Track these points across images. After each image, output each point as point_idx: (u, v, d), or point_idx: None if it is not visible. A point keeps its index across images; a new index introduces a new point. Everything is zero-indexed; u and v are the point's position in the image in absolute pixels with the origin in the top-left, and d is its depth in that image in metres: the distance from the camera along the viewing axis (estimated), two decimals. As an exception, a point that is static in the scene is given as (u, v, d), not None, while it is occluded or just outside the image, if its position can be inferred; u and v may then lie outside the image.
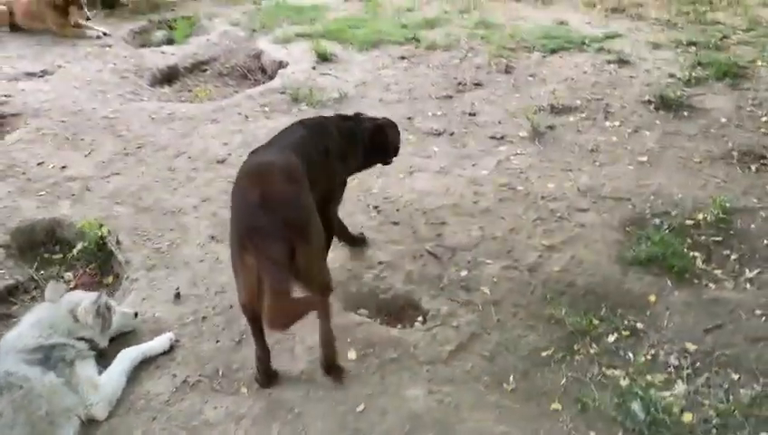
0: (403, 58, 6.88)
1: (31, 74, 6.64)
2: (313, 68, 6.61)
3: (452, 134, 5.29)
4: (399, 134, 3.93)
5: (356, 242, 3.89)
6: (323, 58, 6.77)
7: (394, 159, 3.92)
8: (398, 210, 4.27)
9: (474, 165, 4.80)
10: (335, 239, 3.87)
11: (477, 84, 6.21)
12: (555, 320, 3.34)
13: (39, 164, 4.88)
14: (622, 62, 6.44)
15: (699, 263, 3.75)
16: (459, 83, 6.22)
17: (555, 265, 3.72)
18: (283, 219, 2.64)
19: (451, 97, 5.96)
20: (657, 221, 4.08)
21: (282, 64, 6.85)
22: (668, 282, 3.58)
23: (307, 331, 3.20)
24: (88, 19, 7.74)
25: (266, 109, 5.75)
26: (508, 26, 7.58)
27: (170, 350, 3.18)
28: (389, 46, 7.17)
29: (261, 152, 3.16)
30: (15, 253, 4.07)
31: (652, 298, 3.48)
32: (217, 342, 3.25)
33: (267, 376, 3.02)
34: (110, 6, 8.53)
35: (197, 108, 5.86)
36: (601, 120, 5.40)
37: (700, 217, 4.10)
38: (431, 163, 4.85)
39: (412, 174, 4.71)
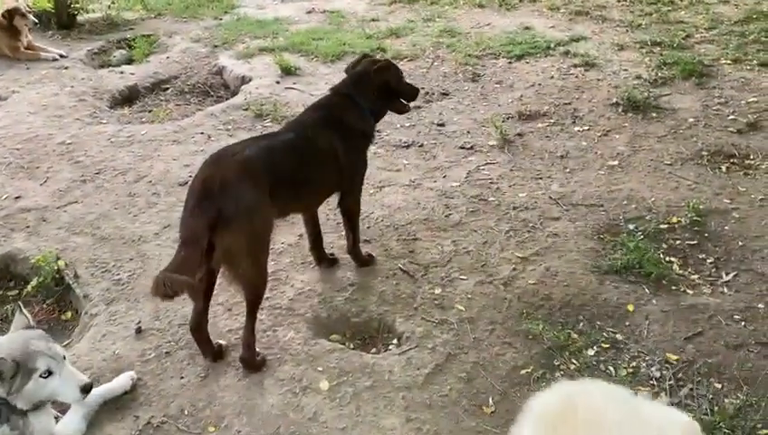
0: (368, 69, 6.77)
1: (-17, 101, 6.41)
2: (277, 82, 6.48)
3: (421, 146, 5.19)
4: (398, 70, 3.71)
5: (323, 262, 3.76)
6: (287, 72, 6.65)
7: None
8: (368, 227, 4.15)
9: (444, 177, 4.70)
10: (307, 257, 3.77)
11: (444, 94, 6.13)
12: (533, 335, 3.24)
13: (-9, 196, 4.67)
14: (588, 65, 6.41)
15: (676, 268, 3.69)
16: (426, 93, 6.13)
17: (530, 278, 3.63)
18: (217, 207, 2.74)
19: (419, 107, 5.86)
20: (631, 227, 4.01)
21: (244, 80, 6.70)
22: (646, 290, 3.51)
23: (274, 363, 3.07)
24: (36, 23, 7.51)
25: (229, 127, 5.60)
26: (473, 34, 7.53)
27: (132, 389, 3.00)
28: (354, 57, 7.01)
29: (238, 144, 3.25)
30: (-33, 291, 3.87)
31: (630, 308, 3.40)
32: (182, 378, 3.08)
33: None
34: (66, 27, 8.30)
35: (158, 129, 5.68)
36: (570, 125, 5.35)
37: (674, 220, 4.05)
38: (401, 177, 4.74)
39: (382, 189, 4.59)
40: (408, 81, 3.82)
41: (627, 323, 3.32)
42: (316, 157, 3.22)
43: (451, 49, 7.12)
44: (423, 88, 6.14)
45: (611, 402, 1.83)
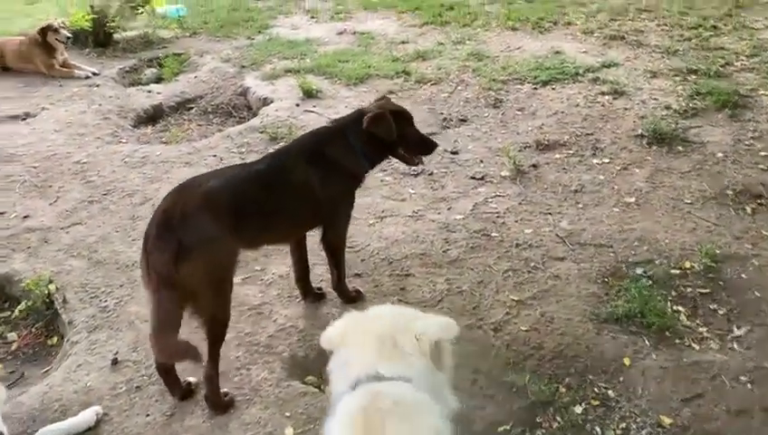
0: (391, 93, 6.65)
1: (14, 117, 6.59)
2: (297, 105, 6.44)
3: (430, 174, 5.05)
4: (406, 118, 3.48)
5: (309, 296, 3.65)
6: (308, 94, 6.60)
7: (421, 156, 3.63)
8: (362, 260, 4.03)
9: (449, 208, 4.54)
10: (295, 290, 3.67)
11: (463, 120, 5.97)
12: (517, 388, 3.04)
13: (0, 214, 4.74)
14: (617, 93, 6.15)
15: (683, 319, 3.43)
16: (444, 119, 6.00)
17: (523, 324, 3.43)
18: (177, 238, 2.70)
19: (434, 133, 5.69)
20: (639, 271, 3.77)
21: (266, 101, 6.70)
22: (646, 342, 3.27)
23: (242, 405, 2.97)
24: (68, 39, 7.69)
25: (243, 150, 5.57)
26: (501, 57, 7.35)
27: (96, 425, 2.95)
28: (378, 81, 6.98)
29: (206, 174, 3.20)
30: (-39, 311, 3.91)
31: (627, 361, 3.17)
32: (147, 416, 3.00)
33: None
34: (102, 45, 8.49)
35: (172, 150, 5.70)
36: (589, 156, 5.11)
37: (687, 265, 3.79)
38: (404, 207, 4.60)
39: (383, 219, 4.47)
40: (424, 132, 3.62)
41: (621, 379, 3.09)
42: (287, 189, 3.11)
43: (476, 73, 6.95)
44: (442, 113, 6.08)
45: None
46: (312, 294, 3.66)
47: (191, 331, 2.96)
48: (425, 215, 4.48)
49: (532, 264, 3.90)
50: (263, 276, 3.94)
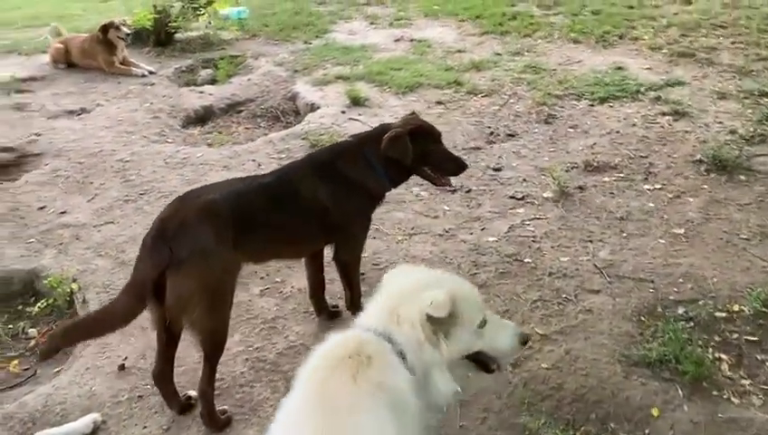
0: (439, 103, 6.51)
1: (71, 112, 6.78)
2: (342, 112, 6.35)
3: (468, 191, 4.85)
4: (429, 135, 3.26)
5: (323, 313, 3.53)
6: (355, 102, 6.51)
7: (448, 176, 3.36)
8: (385, 280, 3.87)
9: (482, 229, 4.34)
10: (308, 306, 3.55)
11: (511, 135, 5.74)
12: (530, 432, 2.82)
13: (40, 208, 4.84)
14: (678, 114, 5.78)
15: (725, 368, 3.11)
16: (491, 133, 5.78)
17: (545, 361, 3.19)
18: (171, 249, 2.60)
19: (479, 148, 5.52)
20: (680, 311, 3.47)
21: (313, 107, 6.64)
22: (679, 391, 2.98)
23: (239, 424, 2.86)
24: (128, 35, 7.84)
25: (282, 156, 5.52)
26: (559, 71, 7.06)
27: (92, 433, 2.90)
28: (428, 90, 6.83)
29: (212, 185, 3.08)
30: (-11, 304, 3.98)
31: (655, 412, 2.89)
32: (144, 428, 2.94)
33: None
34: (162, 44, 8.66)
35: (213, 153, 5.71)
36: (640, 181, 4.80)
37: (735, 308, 3.46)
38: (436, 224, 4.42)
39: (412, 236, 4.30)
40: (453, 152, 3.43)
41: (647, 431, 2.81)
42: (294, 203, 2.99)
43: (531, 86, 6.70)
44: (489, 127, 5.86)
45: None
46: (326, 312, 3.53)
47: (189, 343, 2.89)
48: (456, 234, 4.29)
49: (564, 295, 3.65)
50: (282, 289, 3.84)
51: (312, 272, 3.47)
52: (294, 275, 3.91)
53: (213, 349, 2.81)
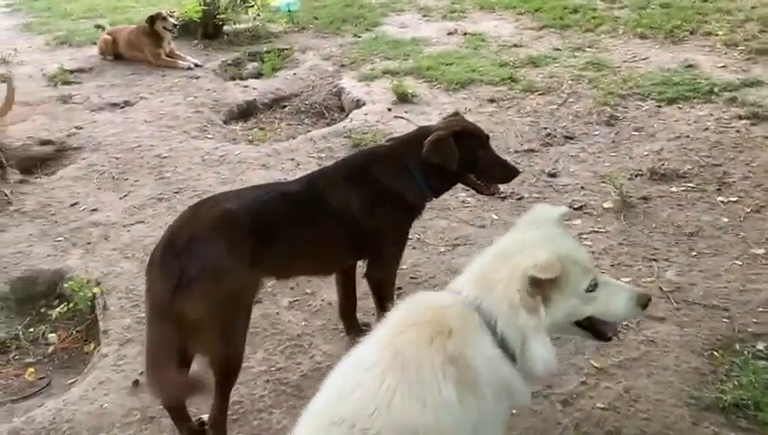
0: (492, 101, 6.12)
1: (114, 105, 6.68)
2: (389, 109, 6.03)
3: (520, 199, 4.47)
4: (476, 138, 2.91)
5: (353, 332, 3.23)
6: (402, 98, 6.18)
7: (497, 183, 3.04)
8: (423, 295, 3.54)
9: (534, 242, 3.95)
10: (338, 323, 3.26)
11: (569, 137, 5.31)
12: (580, 484, 2.46)
13: (72, 205, 4.70)
14: (757, 117, 5.22)
15: (815, 419, 2.68)
16: (548, 135, 5.36)
17: (600, 399, 2.81)
18: (181, 266, 2.37)
19: (533, 151, 5.12)
20: (760, 346, 3.02)
21: (358, 103, 6.35)
22: (759, 446, 2.57)
23: None
24: (175, 26, 7.70)
25: (322, 155, 5.24)
26: (624, 68, 6.55)
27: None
28: (480, 87, 6.44)
29: (229, 193, 2.85)
30: (13, 305, 3.83)
31: (729, 469, 2.49)
32: (152, 454, 2.71)
33: None
34: (210, 37, 8.51)
35: (252, 150, 5.48)
36: (713, 192, 4.31)
37: (828, 346, 3.00)
38: (483, 235, 4.06)
39: (456, 247, 3.96)
40: (504, 157, 3.08)
41: (719, 492, 2.42)
42: (322, 214, 2.70)
43: (592, 84, 6.23)
44: (545, 128, 5.44)
45: None
46: (356, 331, 3.22)
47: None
48: (505, 247, 3.91)
49: (624, 322, 3.25)
50: (311, 301, 3.57)
51: (343, 289, 3.17)
52: (326, 287, 3.62)
53: (226, 376, 2.54)
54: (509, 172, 3.00)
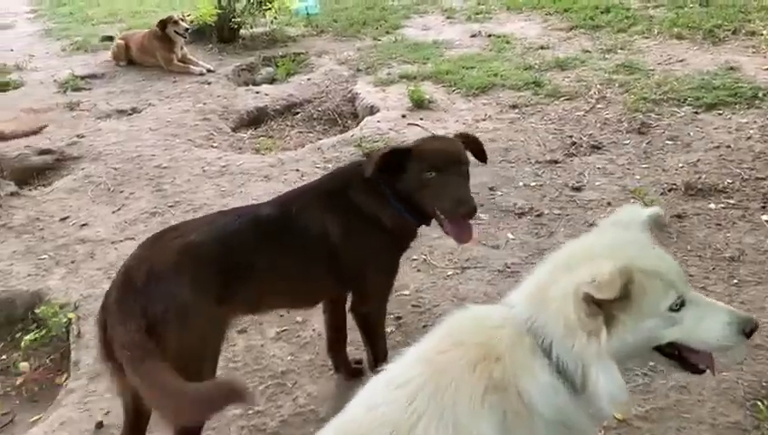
0: (514, 107, 5.73)
1: (121, 112, 6.48)
2: (403, 116, 5.68)
3: (539, 215, 4.07)
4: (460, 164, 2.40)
5: (342, 370, 2.88)
6: (418, 104, 5.83)
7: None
8: (424, 326, 3.16)
9: (552, 266, 3.55)
10: (326, 356, 2.91)
11: (596, 147, 4.88)
12: None
13: (62, 219, 4.45)
14: (807, 125, 4.75)
15: None
16: (573, 144, 4.94)
17: (622, 459, 2.42)
18: (141, 306, 2.07)
19: (556, 162, 4.71)
20: (813, 396, 2.59)
21: (372, 110, 6.01)
22: None
23: None
24: (187, 30, 7.47)
25: (329, 165, 4.91)
26: (658, 72, 6.09)
27: None
28: (502, 91, 6.05)
29: (193, 221, 2.55)
30: (-14, 329, 3.58)
31: None
32: None
33: None
34: (225, 41, 8.27)
35: (256, 160, 5.18)
36: (757, 210, 3.86)
37: None
38: (496, 257, 3.68)
39: (465, 270, 3.58)
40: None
41: None
42: (295, 243, 2.35)
43: (623, 89, 5.79)
44: (570, 136, 5.03)
45: None
46: (346, 369, 2.87)
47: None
48: (519, 271, 3.51)
49: (651, 363, 2.83)
50: (300, 332, 3.23)
51: (330, 321, 2.83)
52: (318, 316, 3.23)
53: (186, 431, 2.21)
54: (455, 206, 2.31)
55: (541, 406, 1.48)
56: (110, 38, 8.06)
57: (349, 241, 2.38)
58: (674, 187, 4.20)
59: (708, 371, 1.68)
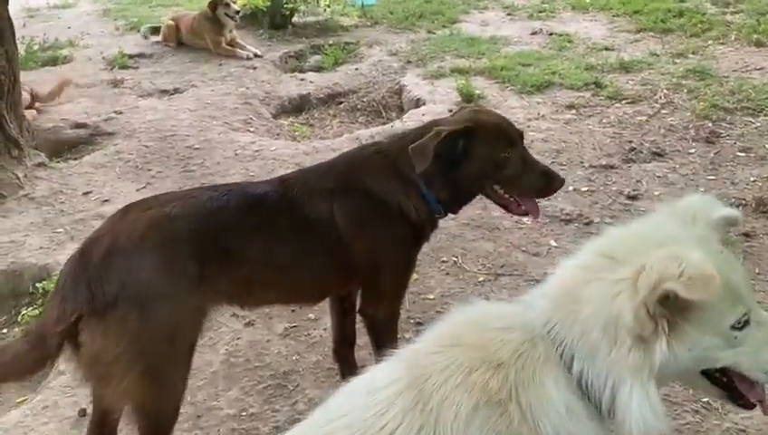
0: (571, 107, 5.32)
1: (163, 91, 6.35)
2: (449, 111, 5.33)
3: (588, 223, 3.69)
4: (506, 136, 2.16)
5: (348, 373, 2.57)
6: (468, 99, 5.49)
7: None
8: (448, 336, 2.84)
9: (598, 279, 3.17)
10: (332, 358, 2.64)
11: (658, 154, 4.45)
12: None
13: (85, 194, 4.31)
14: None
15: None
16: (632, 149, 4.52)
17: None
18: (88, 285, 1.80)
19: (612, 168, 4.31)
20: None
21: (418, 103, 5.71)
22: None
23: None
24: (237, 13, 7.30)
25: (366, 157, 4.62)
26: (732, 78, 5.58)
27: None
28: (559, 91, 5.65)
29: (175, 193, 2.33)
30: (-8, 302, 3.43)
31: None
32: None
33: None
34: (277, 27, 8.09)
35: (291, 147, 4.95)
36: (840, 233, 3.39)
37: None
38: (536, 265, 3.33)
39: (498, 278, 3.24)
40: (543, 163, 2.34)
41: None
42: (296, 229, 2.07)
43: (692, 95, 5.31)
44: (630, 141, 4.61)
45: None
46: (351, 372, 2.57)
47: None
48: (560, 282, 3.16)
49: (705, 399, 2.44)
50: (310, 330, 2.95)
51: (337, 320, 2.54)
52: (324, 312, 2.99)
53: (154, 431, 1.96)
54: (546, 181, 2.22)
55: (549, 430, 1.17)
56: (157, 29, 7.94)
57: (360, 231, 2.09)
58: (743, 202, 3.75)
59: (759, 406, 1.34)
